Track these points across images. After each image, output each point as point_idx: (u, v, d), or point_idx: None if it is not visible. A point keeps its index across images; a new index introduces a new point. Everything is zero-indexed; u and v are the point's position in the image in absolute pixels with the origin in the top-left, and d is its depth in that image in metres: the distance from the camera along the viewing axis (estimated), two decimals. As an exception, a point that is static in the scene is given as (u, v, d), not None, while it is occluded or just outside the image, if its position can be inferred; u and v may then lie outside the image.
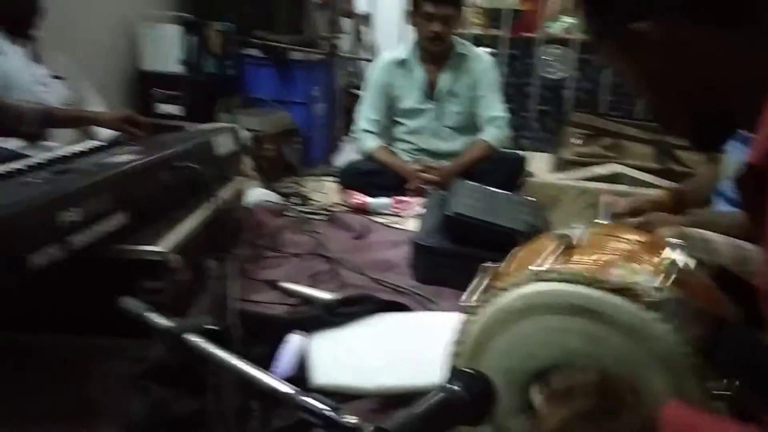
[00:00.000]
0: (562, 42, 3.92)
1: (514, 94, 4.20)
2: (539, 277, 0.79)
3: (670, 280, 0.74)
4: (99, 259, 1.15)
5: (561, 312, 0.76)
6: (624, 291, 0.73)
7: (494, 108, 2.69)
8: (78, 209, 1.08)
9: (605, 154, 2.95)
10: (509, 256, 1.03)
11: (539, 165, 2.84)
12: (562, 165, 2.92)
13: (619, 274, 0.78)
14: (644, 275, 0.77)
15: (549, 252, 0.85)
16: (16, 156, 1.79)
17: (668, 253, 0.80)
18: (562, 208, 2.49)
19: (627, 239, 0.92)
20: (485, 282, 0.94)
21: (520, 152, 2.79)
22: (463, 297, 0.90)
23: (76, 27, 2.55)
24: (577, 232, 0.88)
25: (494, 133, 2.65)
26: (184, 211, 1.47)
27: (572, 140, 3.00)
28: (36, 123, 1.77)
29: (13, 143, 1.93)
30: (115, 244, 1.19)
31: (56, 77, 2.16)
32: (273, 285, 1.55)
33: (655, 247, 0.85)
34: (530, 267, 0.81)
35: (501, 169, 2.53)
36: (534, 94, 3.52)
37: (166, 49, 2.92)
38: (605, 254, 0.86)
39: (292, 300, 1.49)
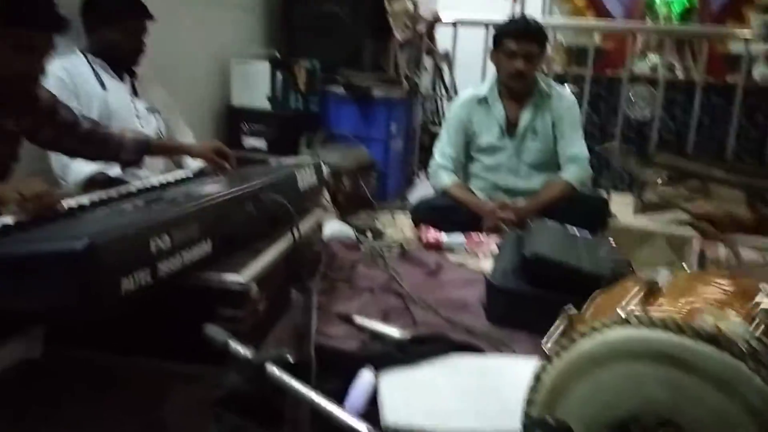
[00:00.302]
0: (647, 81, 3.83)
1: (596, 133, 4.13)
2: (623, 321, 0.76)
3: (762, 329, 0.70)
4: (183, 286, 1.20)
5: (645, 359, 0.73)
6: (714, 339, 0.70)
7: (575, 147, 2.64)
8: (168, 237, 1.12)
9: (692, 197, 2.82)
10: (590, 300, 1.00)
11: (621, 206, 2.75)
12: (645, 207, 2.82)
13: (708, 321, 0.74)
14: (735, 323, 0.73)
15: (633, 296, 0.82)
16: (113, 182, 1.92)
17: (761, 300, 0.76)
18: (645, 251, 2.40)
19: (717, 285, 0.88)
20: (565, 326, 0.92)
21: (602, 192, 2.72)
22: (544, 341, 0.88)
23: (174, 63, 2.71)
24: (663, 276, 0.85)
25: (575, 172, 2.60)
26: (266, 241, 1.51)
27: (656, 181, 2.90)
28: (134, 151, 1.89)
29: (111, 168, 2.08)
30: (199, 272, 1.24)
31: (152, 110, 2.30)
32: (346, 319, 1.55)
33: (746, 294, 0.81)
34: (614, 311, 0.79)
35: (582, 210, 2.46)
36: (617, 133, 3.43)
37: (255, 85, 3.05)
38: (693, 300, 0.83)
39: (364, 335, 1.48)
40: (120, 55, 2.21)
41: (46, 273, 0.97)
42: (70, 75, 2.08)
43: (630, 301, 0.81)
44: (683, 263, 1.11)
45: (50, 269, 0.97)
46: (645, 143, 3.65)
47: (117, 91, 2.20)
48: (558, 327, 0.94)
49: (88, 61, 2.16)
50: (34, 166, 2.02)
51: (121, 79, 2.25)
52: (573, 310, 0.94)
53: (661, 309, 0.80)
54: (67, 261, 0.95)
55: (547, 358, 0.83)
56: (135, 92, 2.28)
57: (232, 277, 1.26)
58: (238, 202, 1.42)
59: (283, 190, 1.62)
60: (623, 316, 0.77)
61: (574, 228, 2.05)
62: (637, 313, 0.77)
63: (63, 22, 1.47)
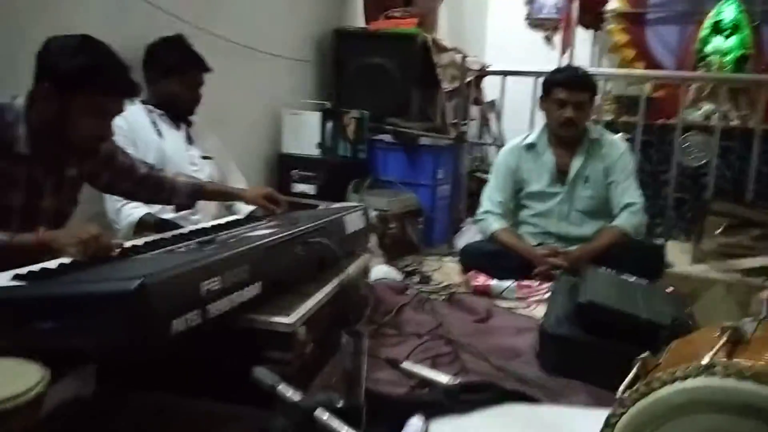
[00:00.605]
0: (701, 128, 3.75)
1: (649, 181, 4.04)
2: (708, 370, 0.71)
3: None
4: (232, 327, 1.20)
5: (729, 411, 0.68)
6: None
7: (629, 194, 2.58)
8: (218, 279, 1.13)
9: (753, 246, 2.70)
10: (666, 349, 0.95)
11: (676, 255, 2.66)
12: (704, 256, 2.71)
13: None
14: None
15: (716, 345, 0.77)
16: (163, 224, 1.96)
17: None
18: (705, 300, 2.29)
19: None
20: (641, 373, 0.87)
21: (659, 241, 2.64)
22: (620, 389, 0.84)
23: (229, 112, 2.80)
24: (748, 326, 0.80)
25: (629, 219, 2.54)
26: (313, 284, 1.51)
27: (715, 230, 2.79)
28: (187, 195, 1.94)
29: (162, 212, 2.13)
30: (248, 314, 1.24)
31: (206, 158, 2.36)
32: (394, 364, 1.52)
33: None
34: (695, 359, 0.74)
35: (636, 258, 2.37)
36: (671, 181, 3.35)
37: (305, 134, 3.12)
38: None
39: (412, 381, 1.45)
40: (178, 105, 2.30)
41: (98, 313, 0.98)
42: (129, 124, 2.17)
43: (714, 351, 0.76)
44: (754, 314, 1.04)
45: (103, 309, 0.98)
46: (701, 191, 3.55)
47: (173, 139, 2.27)
48: (634, 374, 0.89)
49: (146, 111, 2.26)
50: (89, 210, 2.09)
51: (178, 128, 2.33)
52: (649, 357, 0.89)
53: (749, 359, 0.74)
54: (120, 301, 0.96)
55: (621, 405, 0.78)
56: (190, 140, 2.35)
57: (280, 319, 1.26)
58: (288, 246, 1.42)
59: (330, 234, 1.63)
60: (707, 364, 0.72)
61: (630, 275, 1.98)
62: (723, 363, 0.72)
63: (136, 88, 1.55)
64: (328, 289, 1.52)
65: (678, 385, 0.72)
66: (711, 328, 0.85)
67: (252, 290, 1.24)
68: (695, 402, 0.70)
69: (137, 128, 2.19)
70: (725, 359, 0.72)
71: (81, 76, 1.43)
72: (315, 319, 1.39)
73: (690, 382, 0.72)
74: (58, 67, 1.43)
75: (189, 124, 2.37)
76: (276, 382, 0.95)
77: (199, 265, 1.12)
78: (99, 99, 1.47)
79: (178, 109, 2.31)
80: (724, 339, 0.75)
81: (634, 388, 0.78)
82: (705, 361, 0.71)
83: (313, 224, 1.60)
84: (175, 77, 2.25)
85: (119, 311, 0.97)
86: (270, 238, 1.40)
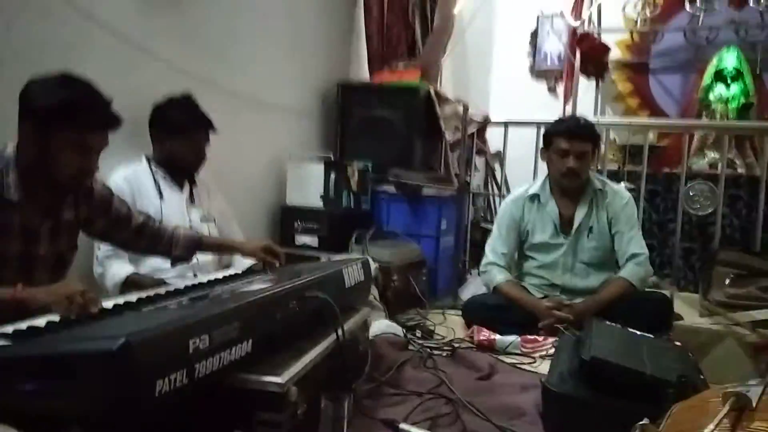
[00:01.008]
0: (706, 177, 3.73)
1: (656, 231, 4.00)
2: None
3: None
4: (220, 387, 1.16)
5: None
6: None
7: (634, 245, 2.55)
8: (207, 337, 1.10)
9: (762, 296, 2.64)
10: (667, 414, 0.90)
11: (684, 306, 2.60)
12: (712, 307, 2.65)
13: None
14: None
15: (720, 414, 0.72)
16: (150, 283, 1.93)
17: None
18: (715, 354, 2.22)
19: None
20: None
21: (665, 292, 2.58)
22: None
23: (232, 165, 2.81)
24: (754, 390, 0.75)
25: (634, 270, 2.49)
26: (309, 340, 1.47)
27: (723, 281, 2.73)
28: (185, 247, 1.93)
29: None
30: (238, 373, 1.20)
31: (206, 219, 2.33)
32: (392, 426, 1.46)
33: None
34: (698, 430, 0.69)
35: (643, 310, 2.34)
36: (677, 230, 3.31)
37: (308, 185, 3.13)
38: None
39: (411, 443, 1.39)
40: (182, 165, 2.29)
41: (81, 373, 0.95)
42: (131, 185, 2.18)
43: (719, 421, 0.71)
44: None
45: (85, 369, 0.94)
46: (709, 240, 3.50)
47: (174, 201, 2.26)
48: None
49: (151, 169, 2.26)
50: (76, 272, 2.07)
51: (181, 187, 2.32)
52: (648, 424, 0.84)
53: (759, 429, 0.69)
54: (102, 361, 0.93)
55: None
56: (192, 200, 2.34)
57: (272, 379, 1.22)
58: (281, 300, 1.39)
59: (328, 288, 1.59)
60: None
61: (636, 330, 1.93)
62: None
63: (116, 121, 1.52)
64: (324, 345, 1.47)
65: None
66: (714, 391, 0.81)
67: (242, 348, 1.20)
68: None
69: (138, 190, 2.19)
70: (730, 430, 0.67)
71: (59, 112, 1.42)
72: (309, 378, 1.34)
73: (693, 455, 0.67)
74: (37, 104, 1.43)
75: (193, 182, 2.37)
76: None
77: (186, 323, 1.08)
78: (79, 134, 1.45)
79: (182, 168, 2.30)
80: (729, 407, 0.71)
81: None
82: (707, 432, 0.66)
83: (309, 278, 1.57)
84: (179, 137, 2.24)
85: (101, 371, 0.94)
86: (263, 294, 1.36)
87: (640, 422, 0.81)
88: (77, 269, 2.05)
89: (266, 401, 1.20)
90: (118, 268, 2.08)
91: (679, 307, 2.78)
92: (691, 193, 3.14)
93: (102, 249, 2.07)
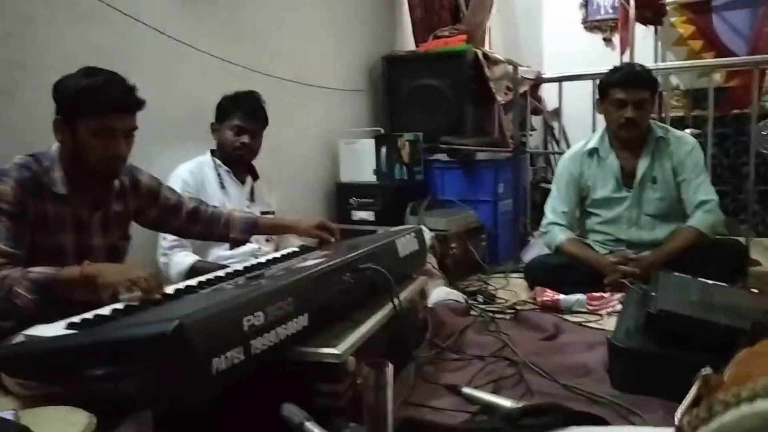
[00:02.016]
0: (780, 114, 3.49)
1: (728, 176, 3.80)
2: None
3: None
4: (279, 361, 1.18)
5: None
6: None
7: (702, 191, 2.42)
8: (261, 314, 1.12)
9: None
10: (731, 362, 0.85)
11: (763, 252, 2.46)
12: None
13: None
14: None
15: None
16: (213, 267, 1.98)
17: None
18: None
19: None
20: (702, 393, 0.78)
21: (739, 238, 2.45)
22: (677, 413, 0.74)
23: (287, 146, 2.84)
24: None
25: (703, 218, 2.38)
26: (365, 311, 1.48)
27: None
28: (242, 230, 1.97)
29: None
30: (296, 346, 1.22)
31: (265, 213, 2.36)
32: (454, 390, 1.46)
33: None
34: (766, 374, 0.64)
35: (716, 258, 2.23)
36: (750, 173, 3.12)
37: (361, 161, 3.13)
38: None
39: (474, 408, 1.38)
40: (236, 157, 2.33)
41: (140, 357, 0.99)
42: (195, 179, 2.25)
43: None
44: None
45: (144, 353, 0.98)
46: (787, 181, 3.30)
47: (236, 196, 2.33)
48: (695, 394, 0.79)
49: (215, 165, 2.32)
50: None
51: (243, 183, 2.37)
52: (711, 373, 0.79)
53: None
54: (158, 344, 0.96)
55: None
56: (252, 196, 2.39)
57: (329, 350, 1.23)
58: (335, 274, 1.40)
59: (382, 259, 1.59)
60: None
61: (708, 280, 1.85)
62: None
63: (136, 102, 1.56)
64: (379, 316, 1.48)
65: (745, 409, 0.63)
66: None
67: (299, 322, 1.23)
68: (766, 427, 0.60)
69: (204, 184, 2.26)
70: None
71: (79, 99, 1.48)
72: (367, 348, 1.35)
73: (760, 405, 0.62)
74: (61, 97, 1.50)
75: (255, 178, 2.41)
76: (304, 418, 0.92)
77: (240, 301, 1.11)
78: (99, 117, 1.50)
79: (236, 160, 2.35)
80: None
81: (694, 413, 0.69)
82: (775, 377, 0.61)
83: (362, 250, 1.58)
84: (235, 129, 2.30)
85: (159, 354, 0.98)
86: (317, 268, 1.38)
87: (703, 371, 0.77)
88: (143, 259, 2.15)
89: (324, 373, 1.22)
90: (183, 257, 2.15)
91: (756, 253, 2.65)
92: (763, 133, 2.94)
93: (167, 240, 2.15)
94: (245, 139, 2.31)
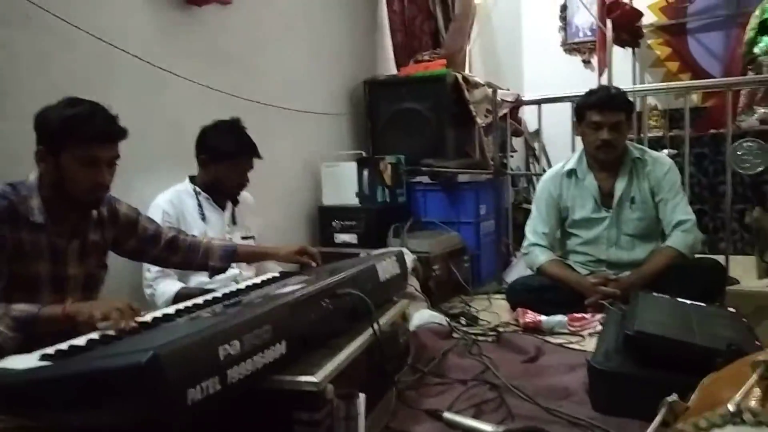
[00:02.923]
0: (757, 134, 3.55)
1: (706, 194, 3.85)
2: (736, 418, 0.62)
3: None
4: (256, 391, 1.17)
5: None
6: None
7: (679, 211, 2.45)
8: (237, 342, 1.11)
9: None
10: (699, 386, 0.86)
11: (742, 271, 2.49)
12: (772, 269, 2.54)
13: None
14: None
15: (750, 384, 0.68)
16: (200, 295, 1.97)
17: None
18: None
19: None
20: (667, 419, 0.78)
21: (717, 257, 2.48)
22: None
23: (268, 171, 2.83)
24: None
25: (682, 238, 2.40)
26: (345, 337, 1.47)
27: (783, 240, 2.61)
28: (221, 258, 1.96)
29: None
30: (274, 375, 1.21)
31: (246, 238, 2.36)
32: (435, 415, 1.46)
33: None
34: (727, 405, 0.65)
35: (694, 278, 2.25)
36: (727, 192, 3.16)
37: (343, 184, 3.14)
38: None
39: (455, 432, 1.38)
40: (225, 189, 2.32)
41: (114, 388, 0.98)
42: (175, 208, 2.22)
43: (747, 391, 0.67)
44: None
45: (118, 384, 0.97)
46: (763, 200, 3.34)
47: (216, 224, 2.30)
48: (660, 420, 0.80)
49: (194, 193, 2.29)
50: (131, 299, 2.14)
51: (223, 208, 2.35)
52: (676, 400, 0.81)
53: None
54: (132, 375, 0.95)
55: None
56: (234, 220, 2.37)
57: (307, 378, 1.22)
58: (313, 300, 1.39)
59: (362, 283, 1.59)
60: (734, 410, 0.63)
61: (686, 300, 1.87)
62: (753, 408, 0.63)
63: (120, 132, 1.57)
64: (359, 341, 1.47)
65: (704, 437, 0.63)
66: (745, 359, 0.76)
67: (276, 350, 1.21)
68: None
69: (184, 214, 2.24)
70: (759, 404, 0.63)
71: (64, 129, 1.49)
72: (347, 375, 1.35)
73: (717, 433, 0.63)
74: (44, 127, 1.51)
75: (235, 203, 2.39)
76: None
77: (216, 330, 1.10)
78: (85, 147, 1.51)
79: (225, 192, 2.33)
80: (761, 376, 0.66)
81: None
82: (732, 406, 0.62)
83: (341, 276, 1.58)
84: (224, 163, 2.26)
85: (133, 385, 0.97)
86: (295, 295, 1.38)
87: (668, 398, 0.78)
88: (129, 291, 2.14)
89: (303, 401, 1.21)
90: (167, 285, 2.13)
91: (735, 270, 2.68)
92: (738, 152, 2.98)
93: (151, 271, 2.13)
94: (244, 179, 2.32)
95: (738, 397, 0.64)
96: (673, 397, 0.78)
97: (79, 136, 1.50)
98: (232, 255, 1.98)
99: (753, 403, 0.64)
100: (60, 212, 1.58)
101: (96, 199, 1.61)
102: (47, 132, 1.51)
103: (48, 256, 1.57)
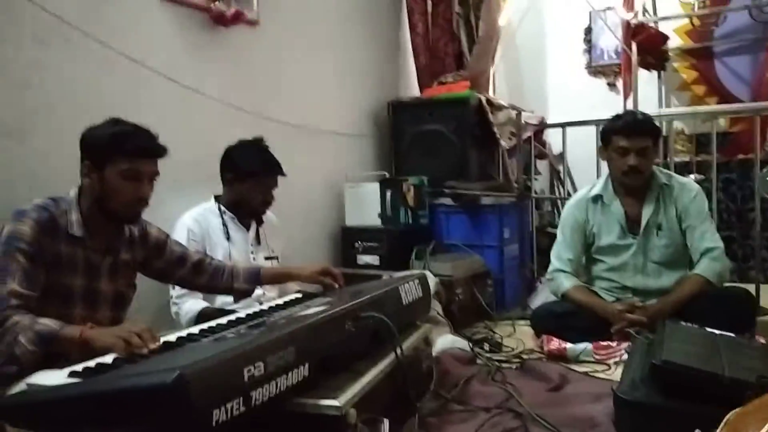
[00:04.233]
0: (785, 160, 3.50)
1: (734, 220, 3.79)
2: None
3: None
4: (279, 412, 1.17)
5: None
6: None
7: (707, 239, 2.41)
8: (262, 364, 1.11)
9: None
10: (724, 422, 0.84)
11: (773, 300, 2.44)
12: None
13: None
14: None
15: None
16: (224, 314, 1.98)
17: None
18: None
19: None
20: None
21: (746, 286, 2.43)
22: None
23: (292, 191, 2.86)
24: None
25: (710, 265, 2.36)
26: (368, 361, 1.47)
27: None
28: (246, 281, 1.97)
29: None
30: (296, 397, 1.21)
31: (271, 259, 2.38)
32: (458, 443, 1.44)
33: None
34: None
35: (724, 307, 2.20)
36: (756, 219, 3.11)
37: (366, 205, 3.15)
38: None
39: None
40: (250, 208, 2.33)
41: (140, 407, 0.99)
42: (200, 227, 2.24)
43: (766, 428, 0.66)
44: None
45: (144, 403, 0.98)
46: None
47: (240, 243, 2.31)
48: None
49: (219, 212, 2.30)
50: (157, 317, 2.19)
51: (247, 228, 2.36)
52: None
53: None
54: (158, 395, 0.96)
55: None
56: (258, 240, 2.38)
57: (329, 402, 1.22)
58: (336, 322, 1.40)
59: (385, 306, 1.59)
60: None
61: (715, 329, 1.83)
62: None
63: (163, 150, 1.65)
64: (382, 366, 1.47)
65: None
66: (777, 393, 0.74)
67: (299, 373, 1.21)
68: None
69: (209, 232, 2.25)
70: None
71: (111, 145, 1.58)
72: (369, 400, 1.34)
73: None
74: (91, 143, 1.60)
75: (259, 222, 2.40)
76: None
77: (240, 351, 1.11)
78: (130, 162, 1.59)
79: (249, 212, 2.34)
80: None
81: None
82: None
83: (364, 298, 1.57)
84: (249, 181, 2.28)
85: (158, 405, 0.97)
86: (318, 317, 1.38)
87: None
88: (156, 309, 2.16)
89: (325, 425, 1.20)
90: (192, 304, 2.14)
91: (766, 300, 2.62)
92: (767, 179, 2.94)
93: (176, 289, 2.15)
94: (269, 197, 2.34)
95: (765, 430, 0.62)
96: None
97: (124, 150, 1.58)
98: (257, 277, 1.99)
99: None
100: (97, 227, 1.64)
101: (135, 213, 1.67)
102: (94, 147, 1.60)
103: (83, 269, 1.61)
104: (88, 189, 1.62)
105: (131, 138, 1.59)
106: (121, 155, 1.58)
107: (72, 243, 1.59)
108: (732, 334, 1.81)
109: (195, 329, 1.53)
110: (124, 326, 1.40)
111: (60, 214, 1.58)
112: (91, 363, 1.25)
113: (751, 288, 2.65)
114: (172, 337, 1.44)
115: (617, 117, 2.55)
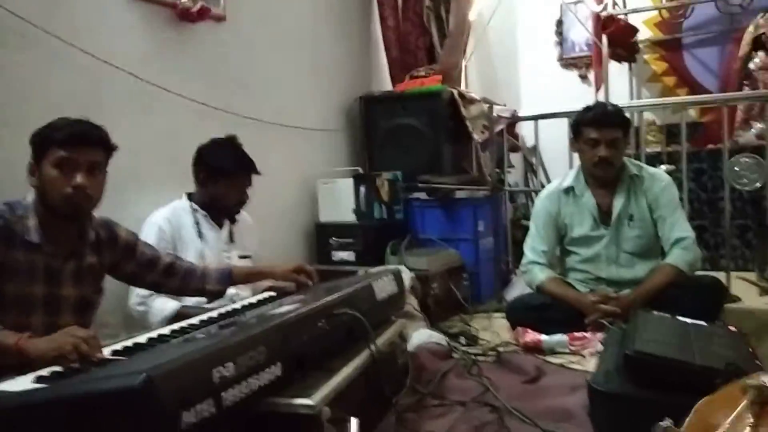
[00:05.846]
0: (754, 149, 3.56)
1: (706, 210, 3.84)
2: None
3: None
4: (251, 413, 1.15)
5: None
6: None
7: (678, 228, 2.44)
8: (232, 364, 1.09)
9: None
10: (693, 410, 0.84)
11: (743, 288, 2.47)
12: (771, 286, 2.52)
13: None
14: None
15: (741, 410, 0.67)
16: (197, 312, 1.94)
17: None
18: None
19: None
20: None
21: (717, 274, 2.46)
22: None
23: (266, 188, 2.82)
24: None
25: (681, 255, 2.39)
26: (342, 359, 1.45)
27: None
28: (218, 281, 1.94)
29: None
30: (268, 397, 1.19)
31: (244, 257, 2.34)
32: (434, 438, 1.44)
33: None
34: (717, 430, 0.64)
35: (694, 296, 2.23)
36: (726, 208, 3.15)
37: (340, 201, 3.13)
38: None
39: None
40: (223, 207, 2.29)
41: (108, 411, 0.96)
42: (171, 226, 2.19)
43: (739, 417, 0.66)
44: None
45: (111, 407, 0.95)
46: (763, 216, 3.33)
47: (213, 242, 2.27)
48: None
49: (191, 210, 2.26)
50: (127, 318, 2.13)
51: (220, 227, 2.31)
52: (669, 425, 0.79)
53: None
54: (126, 398, 0.94)
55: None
56: (231, 239, 2.34)
57: (303, 401, 1.20)
58: (308, 320, 1.38)
59: (358, 303, 1.57)
60: None
61: (686, 318, 1.85)
62: None
63: (99, 137, 1.56)
64: (356, 363, 1.45)
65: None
66: (740, 385, 0.75)
67: (271, 372, 1.20)
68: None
69: (180, 231, 2.21)
70: (749, 430, 0.62)
71: (45, 137, 1.51)
72: (344, 397, 1.32)
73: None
74: (31, 140, 1.54)
75: (233, 221, 2.36)
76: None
77: (209, 352, 1.09)
78: (62, 150, 1.50)
79: (223, 210, 2.31)
80: (752, 402, 0.65)
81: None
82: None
83: (337, 295, 1.56)
84: (222, 180, 2.24)
85: (126, 408, 0.95)
86: (289, 315, 1.36)
87: (662, 422, 0.77)
88: (114, 311, 2.11)
89: (299, 424, 1.19)
90: (163, 302, 2.09)
91: (737, 288, 2.66)
92: (736, 168, 2.98)
93: (142, 289, 2.09)
94: (244, 196, 2.30)
95: (728, 423, 0.62)
96: (667, 422, 0.77)
97: (56, 139, 1.50)
98: (228, 278, 1.96)
99: (747, 430, 0.62)
100: (56, 232, 1.57)
101: (75, 206, 1.54)
102: (33, 143, 1.53)
103: (43, 276, 1.55)
104: (36, 190, 1.54)
105: (65, 126, 1.51)
106: (55, 145, 1.50)
107: (30, 249, 1.52)
108: (703, 323, 1.83)
109: (166, 329, 1.50)
110: (63, 334, 1.29)
111: (15, 220, 1.51)
112: (59, 368, 1.22)
113: (722, 276, 2.69)
114: (142, 339, 1.41)
115: (587, 109, 2.56)
